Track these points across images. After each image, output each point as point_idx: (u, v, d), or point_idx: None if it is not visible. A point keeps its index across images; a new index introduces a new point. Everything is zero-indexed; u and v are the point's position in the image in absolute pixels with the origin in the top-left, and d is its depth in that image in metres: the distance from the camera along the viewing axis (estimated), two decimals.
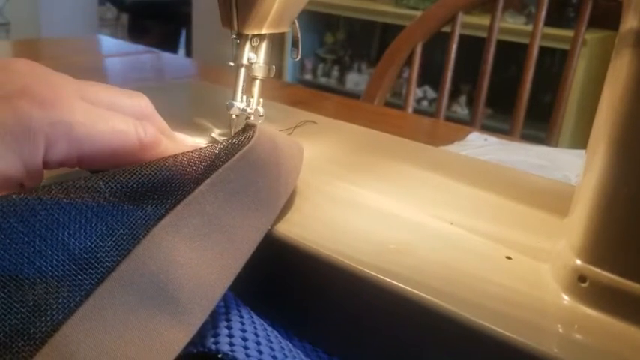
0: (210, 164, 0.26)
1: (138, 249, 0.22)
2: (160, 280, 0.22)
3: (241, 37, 0.39)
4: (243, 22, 0.38)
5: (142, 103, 0.28)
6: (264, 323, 0.25)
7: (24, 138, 0.22)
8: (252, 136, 0.29)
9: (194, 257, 0.23)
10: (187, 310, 0.22)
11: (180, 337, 0.21)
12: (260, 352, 0.22)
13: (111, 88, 0.27)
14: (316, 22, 3.00)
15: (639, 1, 0.24)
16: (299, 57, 0.43)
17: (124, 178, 0.23)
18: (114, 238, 0.22)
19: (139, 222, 0.22)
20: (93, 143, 0.24)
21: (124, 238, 0.22)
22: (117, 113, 0.26)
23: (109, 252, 0.21)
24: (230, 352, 0.22)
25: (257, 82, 0.41)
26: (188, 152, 0.26)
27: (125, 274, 0.21)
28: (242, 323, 0.23)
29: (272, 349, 0.23)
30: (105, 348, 0.19)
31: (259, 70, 0.40)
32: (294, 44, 0.43)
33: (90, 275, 0.20)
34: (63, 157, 0.24)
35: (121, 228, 0.22)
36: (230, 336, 0.23)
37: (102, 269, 0.21)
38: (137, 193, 0.23)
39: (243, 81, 0.40)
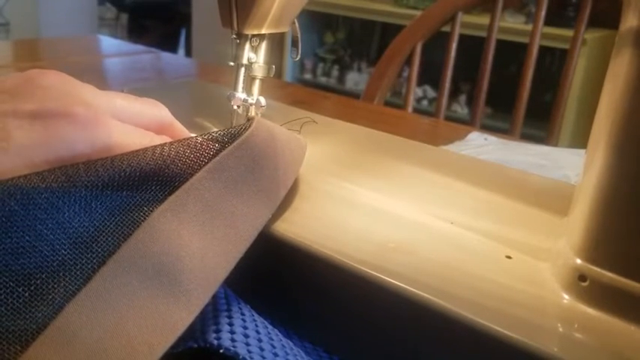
0: (208, 152, 0.26)
1: (138, 232, 0.22)
2: (162, 263, 0.22)
3: (241, 37, 0.39)
4: (243, 22, 0.38)
5: (162, 112, 0.30)
6: (265, 322, 0.25)
7: (68, 160, 0.23)
8: (249, 126, 0.29)
9: (195, 241, 0.23)
10: (190, 291, 0.22)
11: (184, 316, 0.21)
12: (262, 349, 0.22)
13: (133, 100, 0.28)
14: (316, 22, 3.00)
15: (639, 0, 0.24)
16: (299, 57, 0.43)
17: (123, 164, 0.23)
18: (114, 222, 0.22)
19: (138, 207, 0.23)
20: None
21: (124, 222, 0.22)
22: (143, 131, 0.27)
23: (109, 235, 0.21)
24: (232, 348, 0.22)
25: (257, 82, 0.41)
26: (185, 140, 0.26)
27: (126, 256, 0.21)
28: (244, 320, 0.23)
29: (273, 346, 0.23)
30: (107, 329, 0.19)
31: (259, 70, 0.41)
32: (294, 44, 0.43)
33: (91, 259, 0.21)
34: None
35: (120, 212, 0.22)
36: (232, 332, 0.23)
37: (103, 252, 0.21)
38: (136, 179, 0.23)
39: (243, 81, 0.40)
